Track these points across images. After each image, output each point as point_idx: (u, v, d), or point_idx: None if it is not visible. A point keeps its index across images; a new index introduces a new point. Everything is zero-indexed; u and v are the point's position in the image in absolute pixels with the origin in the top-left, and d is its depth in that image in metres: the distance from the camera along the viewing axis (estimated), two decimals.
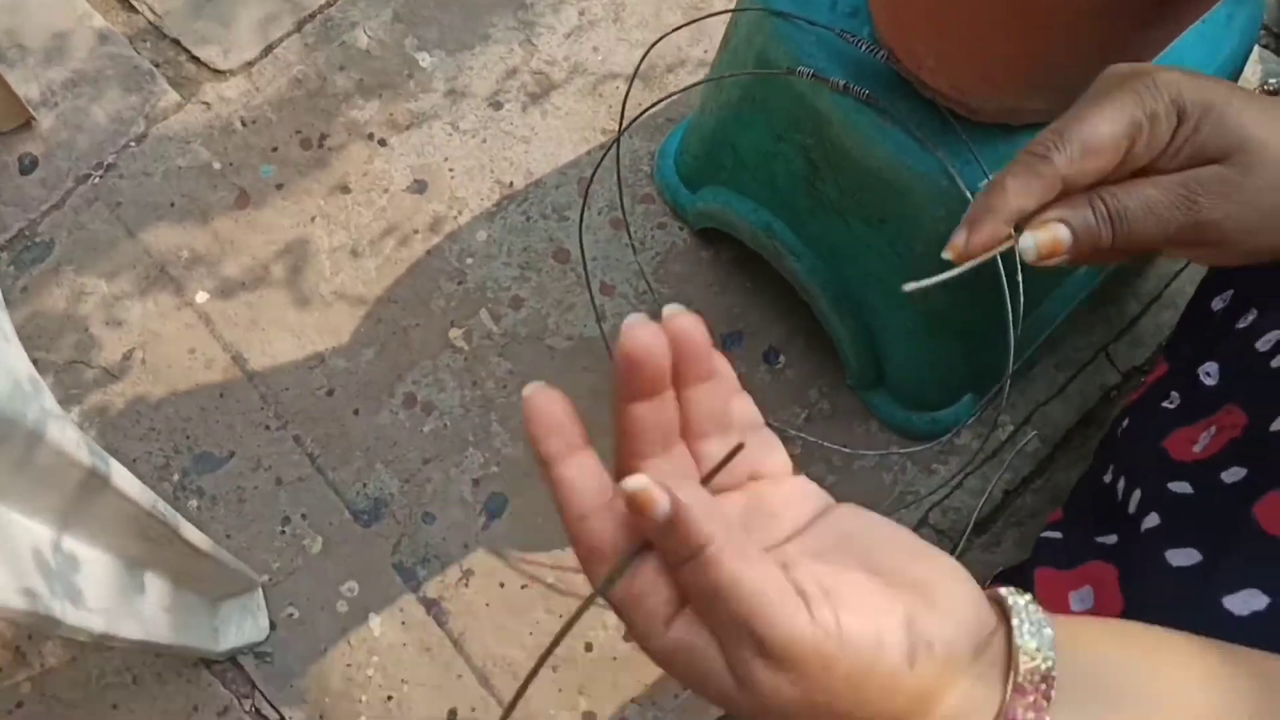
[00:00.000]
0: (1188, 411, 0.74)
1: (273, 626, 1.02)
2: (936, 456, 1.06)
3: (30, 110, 1.18)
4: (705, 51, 1.22)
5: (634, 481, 0.36)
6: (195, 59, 1.23)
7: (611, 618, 1.03)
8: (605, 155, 1.11)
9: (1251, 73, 1.21)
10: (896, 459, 1.07)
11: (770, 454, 0.42)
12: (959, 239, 0.50)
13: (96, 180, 1.18)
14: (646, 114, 1.14)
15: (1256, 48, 1.22)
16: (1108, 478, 0.79)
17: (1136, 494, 0.72)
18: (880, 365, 1.03)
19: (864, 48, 0.81)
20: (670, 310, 0.39)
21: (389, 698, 1.01)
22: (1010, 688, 0.37)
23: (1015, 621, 0.38)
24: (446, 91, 1.22)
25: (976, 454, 1.06)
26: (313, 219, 1.16)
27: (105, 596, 0.76)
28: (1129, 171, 0.49)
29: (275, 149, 1.19)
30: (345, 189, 1.18)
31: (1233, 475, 0.65)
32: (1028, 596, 0.39)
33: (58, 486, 0.68)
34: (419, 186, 1.18)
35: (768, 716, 0.36)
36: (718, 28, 1.13)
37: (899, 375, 1.03)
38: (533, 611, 1.03)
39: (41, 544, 0.71)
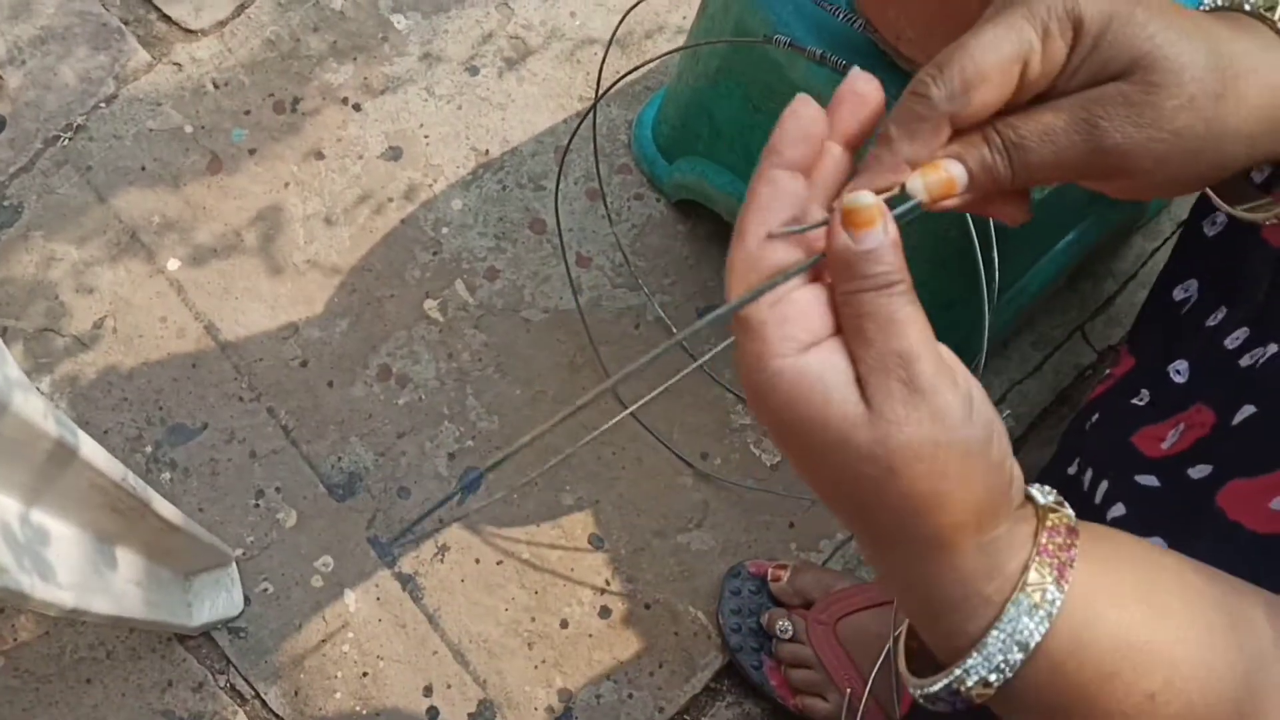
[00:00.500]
0: (1157, 409, 0.73)
1: (247, 601, 1.01)
2: None
3: None
4: (684, 18, 1.21)
5: (864, 196, 0.37)
6: (166, 17, 1.21)
7: (587, 595, 1.03)
8: (581, 124, 1.10)
9: None
10: None
11: None
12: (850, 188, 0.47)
13: (66, 142, 1.15)
14: (624, 81, 1.13)
15: None
16: (1073, 469, 0.79)
17: (1103, 485, 0.72)
18: None
19: (842, 17, 0.79)
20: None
21: (364, 674, 1.01)
22: (1041, 528, 0.40)
23: (1037, 492, 0.42)
24: (422, 55, 1.20)
25: None
26: (286, 185, 1.15)
27: (75, 571, 0.75)
28: (1029, 97, 0.44)
29: (248, 112, 1.17)
30: (319, 155, 1.16)
31: (1199, 471, 0.66)
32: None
33: (24, 458, 0.67)
34: (394, 153, 1.16)
35: (872, 458, 0.37)
36: None
37: None
38: (507, 587, 1.03)
39: (9, 517, 0.70)
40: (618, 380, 0.38)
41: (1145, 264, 1.13)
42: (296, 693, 1.00)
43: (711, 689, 1.03)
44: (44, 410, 0.65)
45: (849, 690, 0.94)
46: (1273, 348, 0.66)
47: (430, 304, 1.11)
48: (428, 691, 1.01)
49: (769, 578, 1.00)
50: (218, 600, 0.98)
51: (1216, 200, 0.54)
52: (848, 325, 0.38)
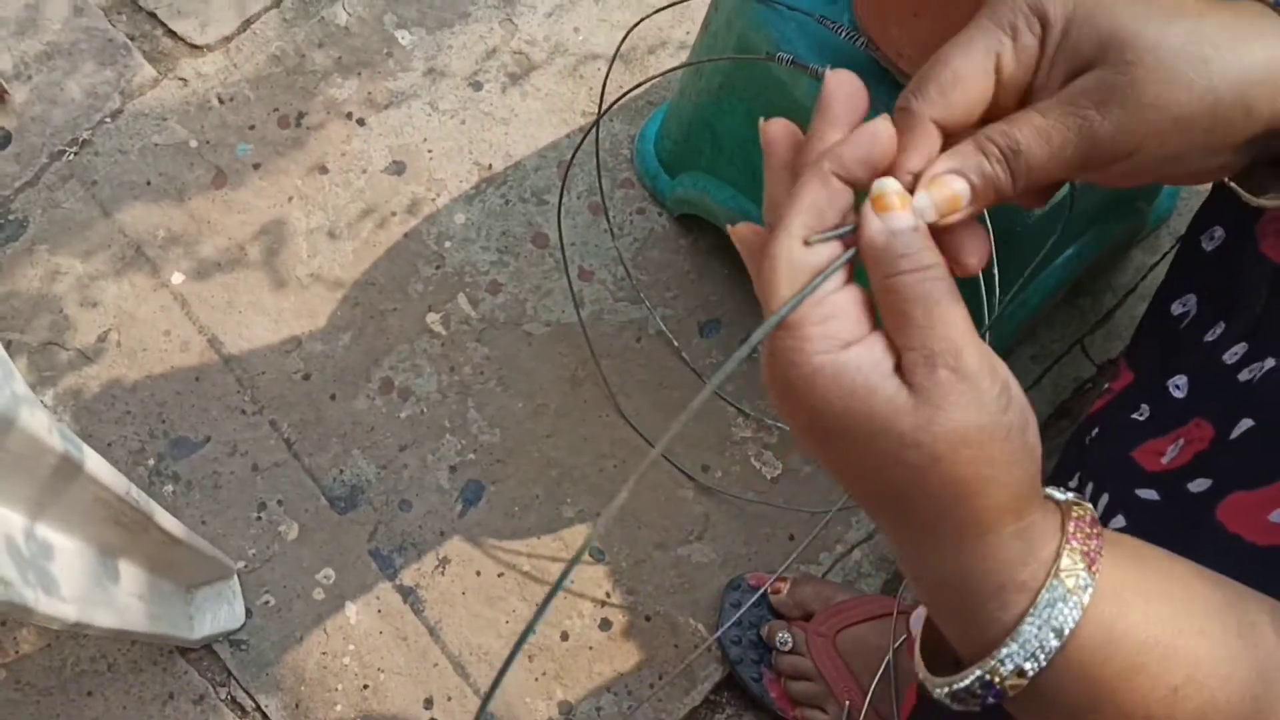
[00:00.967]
0: (1157, 424, 0.74)
1: (248, 614, 1.01)
2: None
3: (3, 84, 1.17)
4: (687, 33, 1.22)
5: (890, 182, 0.38)
6: (172, 33, 1.22)
7: (588, 607, 1.03)
8: (585, 139, 1.11)
9: None
10: None
11: None
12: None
13: (71, 157, 1.16)
14: (627, 97, 1.14)
15: None
16: (1073, 483, 0.79)
17: (1104, 498, 0.72)
18: None
19: (843, 35, 0.80)
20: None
21: (365, 686, 1.01)
22: (1069, 519, 0.41)
23: (1056, 490, 0.43)
24: (426, 70, 1.21)
25: None
26: (290, 199, 1.15)
27: (79, 585, 0.76)
28: (1015, 96, 0.44)
29: (253, 127, 1.18)
30: (323, 169, 1.17)
31: (1198, 486, 0.66)
32: None
33: (30, 473, 0.68)
34: (397, 168, 1.17)
35: (915, 443, 0.37)
36: (699, 9, 1.12)
37: None
38: (508, 600, 1.03)
39: (14, 531, 0.70)
40: (666, 440, 0.39)
41: (1145, 278, 1.13)
42: (297, 705, 1.00)
43: (711, 701, 1.03)
44: (49, 425, 0.66)
45: (848, 702, 0.95)
46: (1270, 362, 0.66)
47: (433, 317, 1.11)
48: (428, 704, 1.01)
49: (769, 590, 1.00)
50: (219, 613, 0.98)
51: (1239, 191, 0.54)
52: (889, 314, 0.38)
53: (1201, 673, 0.41)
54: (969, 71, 0.42)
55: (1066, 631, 0.40)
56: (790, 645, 0.97)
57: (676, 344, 1.11)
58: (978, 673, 0.41)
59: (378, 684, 1.01)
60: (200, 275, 1.12)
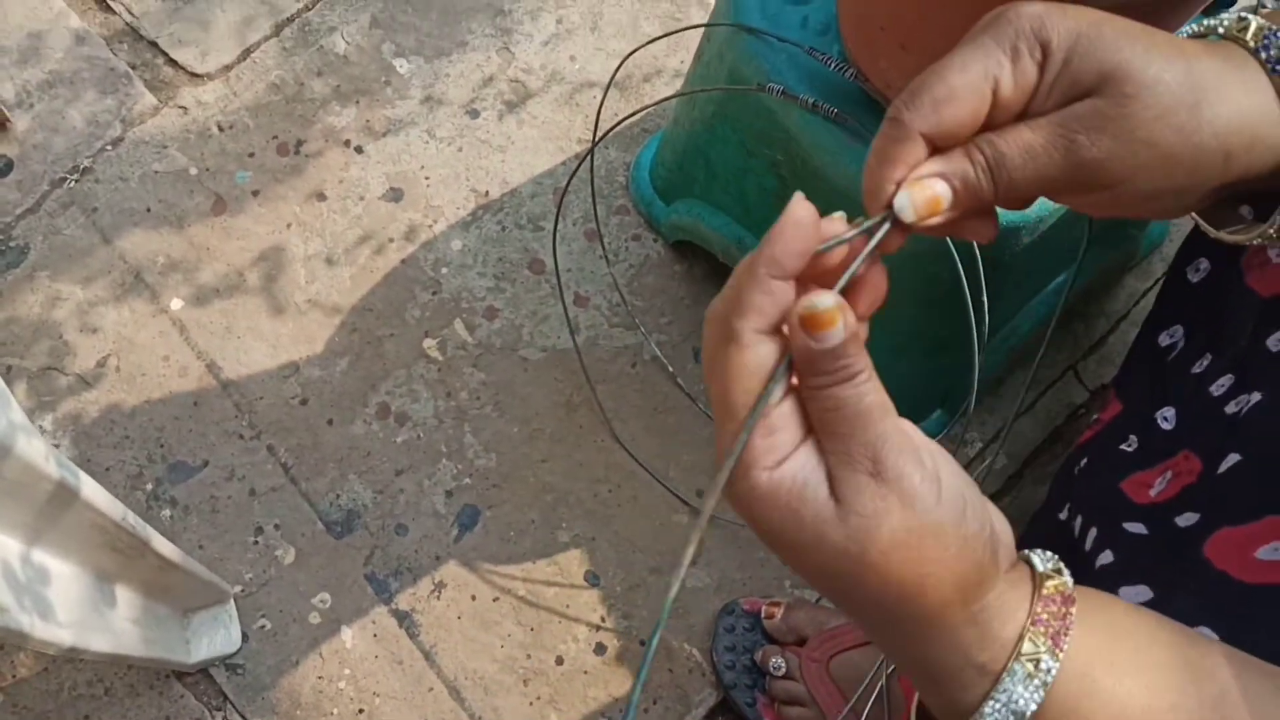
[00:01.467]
0: (1145, 455, 0.74)
1: (245, 638, 1.02)
2: None
3: (5, 112, 1.18)
4: (681, 62, 1.23)
5: (822, 299, 0.38)
6: (173, 62, 1.23)
7: (582, 631, 1.03)
8: (580, 166, 1.12)
9: None
10: None
11: None
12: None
13: (72, 184, 1.17)
14: (622, 125, 1.15)
15: None
16: (1063, 515, 0.80)
17: (1093, 532, 0.73)
18: None
19: (833, 66, 0.81)
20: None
21: (360, 710, 1.01)
22: (1037, 598, 0.41)
23: (1036, 557, 0.42)
24: (423, 98, 1.22)
25: None
26: (288, 226, 1.16)
27: (75, 610, 0.76)
28: (1009, 117, 0.44)
29: (252, 155, 1.19)
30: (321, 196, 1.18)
31: (1186, 520, 0.66)
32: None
33: (27, 500, 0.68)
34: (395, 194, 1.18)
35: (848, 553, 0.38)
36: (693, 38, 1.13)
37: None
38: (504, 624, 1.04)
39: (10, 557, 0.71)
40: (757, 415, 0.39)
41: (1137, 304, 1.14)
42: None
43: None
44: (46, 453, 0.67)
45: None
46: (1256, 395, 0.67)
47: (429, 343, 1.12)
48: None
49: (763, 615, 1.01)
50: (216, 637, 0.99)
51: (1202, 224, 0.55)
52: (816, 421, 0.39)
53: None
54: (964, 91, 0.42)
55: (1028, 715, 0.40)
56: (784, 670, 0.97)
57: (671, 369, 1.11)
58: None
59: (373, 708, 1.01)
60: (199, 301, 1.13)
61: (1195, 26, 0.50)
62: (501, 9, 1.26)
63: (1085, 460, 0.82)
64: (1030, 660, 0.40)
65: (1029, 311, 1.00)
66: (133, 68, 1.23)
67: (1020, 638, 0.40)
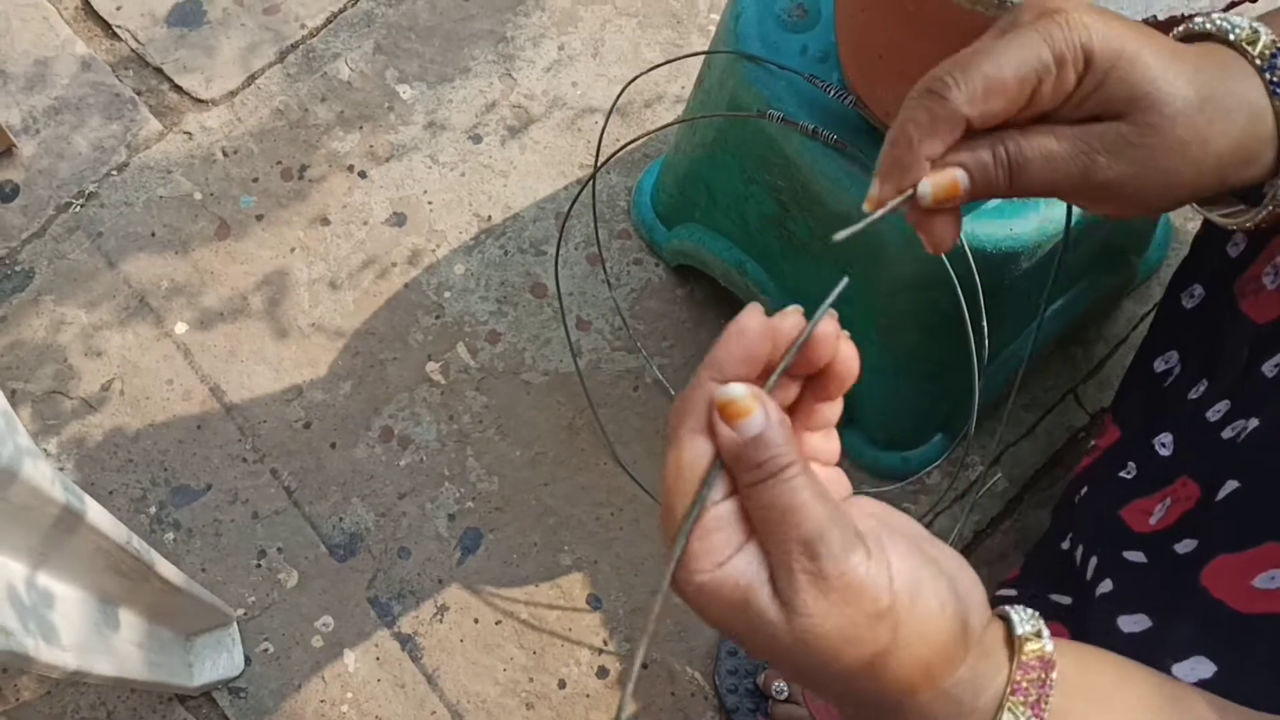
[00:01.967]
0: (1144, 483, 0.74)
1: (247, 661, 1.02)
2: (907, 496, 1.08)
3: (11, 137, 1.19)
4: (682, 88, 1.24)
5: (736, 389, 0.37)
6: (178, 88, 1.24)
7: (585, 655, 1.04)
8: (582, 190, 1.12)
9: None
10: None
11: (827, 442, 0.43)
12: (874, 190, 0.46)
13: (77, 209, 1.18)
14: (624, 150, 1.16)
15: None
16: (1065, 544, 0.80)
17: (1093, 561, 0.73)
18: (850, 404, 1.04)
19: (833, 93, 0.82)
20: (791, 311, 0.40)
21: None
22: (1015, 665, 0.40)
23: (1016, 617, 0.41)
24: (426, 124, 1.23)
25: (946, 493, 1.07)
26: (292, 250, 1.17)
27: (79, 633, 0.77)
28: (1032, 115, 0.46)
29: (256, 180, 1.20)
30: (325, 221, 1.18)
31: (1185, 546, 0.66)
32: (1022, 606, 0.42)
33: (32, 524, 0.69)
34: (398, 219, 1.19)
35: (801, 649, 0.37)
36: (694, 65, 1.14)
37: (869, 414, 1.05)
38: (506, 648, 1.04)
39: (15, 581, 0.71)
40: (697, 513, 0.38)
41: (1136, 328, 1.14)
42: None
43: None
44: (52, 477, 0.67)
45: None
46: (1254, 421, 0.67)
47: (432, 366, 1.13)
48: None
49: None
50: (218, 660, 0.99)
51: (1195, 207, 0.57)
52: (755, 520, 0.38)
53: None
54: (1014, 82, 0.43)
55: None
56: (786, 694, 0.98)
57: (673, 393, 1.12)
58: None
59: None
60: (203, 325, 1.14)
61: (1207, 25, 0.51)
62: (504, 36, 1.27)
63: (1085, 489, 0.82)
64: None
65: (1028, 335, 1.00)
66: (138, 94, 1.24)
67: (1000, 708, 0.39)
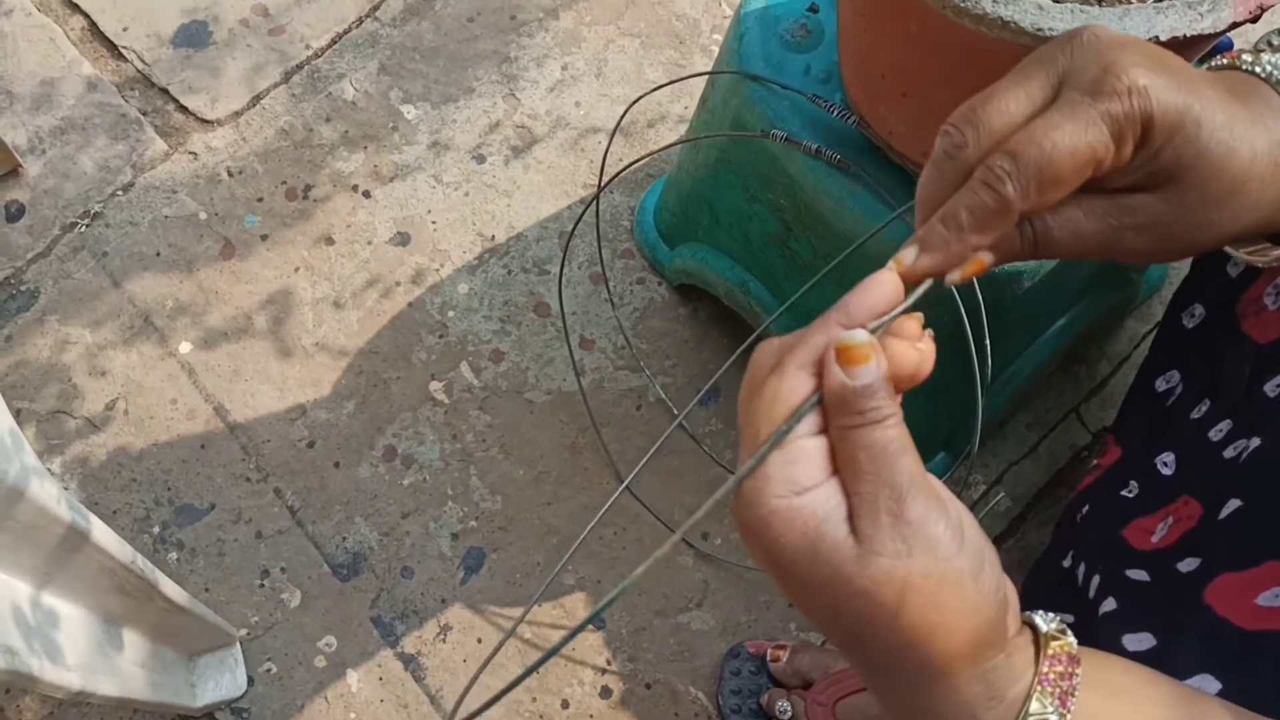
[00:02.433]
0: (1146, 501, 0.75)
1: (250, 682, 1.02)
2: None
3: (18, 157, 1.19)
4: (685, 108, 1.24)
5: (860, 334, 0.38)
6: (183, 108, 1.25)
7: (588, 674, 1.03)
8: (586, 210, 1.13)
9: None
10: None
11: None
12: (909, 258, 0.44)
13: (83, 229, 1.19)
14: (627, 170, 1.16)
15: None
16: (1067, 562, 0.80)
17: (1095, 579, 0.73)
18: None
19: (836, 113, 0.82)
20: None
21: None
22: (1042, 658, 0.41)
23: (1040, 618, 0.42)
24: (430, 144, 1.23)
25: None
26: (296, 270, 1.18)
27: (83, 653, 0.77)
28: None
29: (261, 199, 1.21)
30: (329, 240, 1.19)
31: (1188, 565, 0.66)
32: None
33: (38, 543, 0.69)
34: (402, 239, 1.19)
35: (866, 592, 0.37)
36: (697, 85, 1.15)
37: None
38: (509, 667, 1.04)
39: (20, 600, 0.71)
40: (784, 433, 0.39)
41: (1138, 346, 1.15)
42: None
43: None
44: (58, 496, 0.67)
45: None
46: (1256, 440, 0.67)
47: (436, 386, 1.13)
48: None
49: (768, 658, 1.01)
50: (221, 681, 0.99)
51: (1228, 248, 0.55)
52: (842, 460, 0.38)
53: None
54: (1073, 177, 0.41)
55: None
56: (790, 714, 0.97)
57: (676, 412, 1.12)
58: None
59: None
60: (207, 344, 1.14)
61: (1256, 69, 0.47)
62: (508, 56, 1.27)
63: (1087, 507, 0.82)
64: (1038, 719, 0.40)
65: (1031, 355, 1.00)
66: (144, 114, 1.24)
67: (1028, 697, 0.40)
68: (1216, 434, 0.70)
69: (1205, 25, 0.57)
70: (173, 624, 0.89)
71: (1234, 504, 0.66)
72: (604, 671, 1.04)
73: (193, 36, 1.28)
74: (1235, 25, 0.57)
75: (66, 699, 0.74)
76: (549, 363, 1.14)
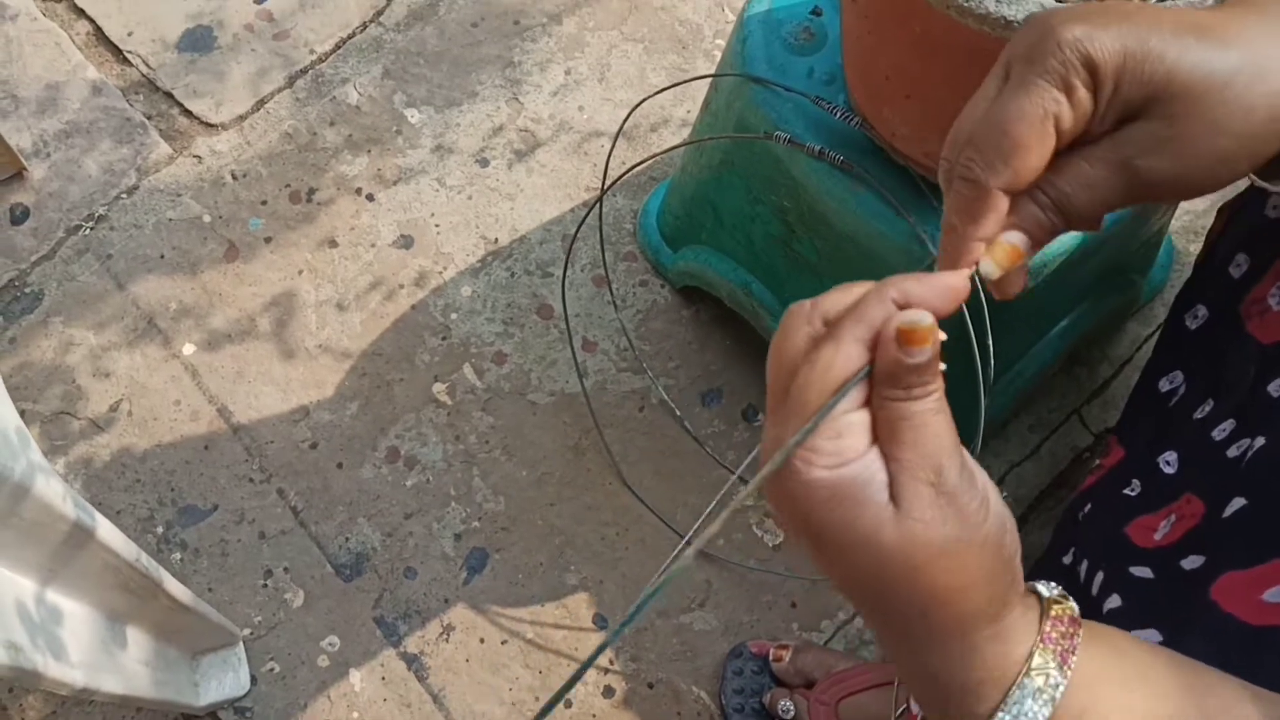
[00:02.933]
0: (1148, 499, 0.75)
1: (254, 681, 1.02)
2: None
3: (22, 160, 1.20)
4: (688, 111, 1.25)
5: (926, 317, 0.39)
6: (187, 112, 1.25)
7: (591, 674, 1.03)
8: (589, 213, 1.13)
9: None
10: None
11: None
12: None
13: (87, 231, 1.19)
14: (630, 173, 1.17)
15: None
16: (1068, 559, 0.80)
17: (1099, 577, 0.73)
18: None
19: (839, 115, 0.83)
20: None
21: None
22: (1045, 618, 0.43)
23: (1043, 587, 0.44)
24: (434, 148, 1.24)
25: None
26: (300, 272, 1.18)
27: (87, 650, 0.77)
28: (1066, 144, 0.44)
29: (264, 202, 1.21)
30: (333, 243, 1.19)
31: (1191, 563, 0.67)
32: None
33: (43, 540, 0.69)
34: (405, 241, 1.19)
35: (901, 551, 0.39)
36: (700, 89, 1.15)
37: None
38: (511, 667, 1.04)
39: (25, 597, 0.71)
40: (832, 405, 0.40)
41: (1140, 348, 1.15)
42: None
43: None
44: (63, 494, 0.67)
45: None
46: (1260, 440, 0.67)
47: (439, 387, 1.13)
48: None
49: (771, 658, 1.01)
50: (224, 680, 0.99)
51: (1255, 180, 0.55)
52: (884, 430, 0.40)
53: None
54: (1031, 138, 0.43)
55: None
56: (793, 713, 0.97)
57: (679, 413, 1.12)
58: None
59: None
60: (211, 346, 1.14)
61: None
62: (511, 60, 1.28)
63: (1089, 506, 0.82)
64: (1040, 674, 0.41)
65: (1033, 355, 1.01)
66: (148, 118, 1.25)
67: (1030, 654, 0.42)
68: (1220, 433, 0.71)
69: None
70: (176, 623, 0.90)
71: (1238, 502, 0.66)
72: (607, 671, 1.04)
73: (197, 41, 1.28)
74: None
75: (70, 696, 0.74)
76: (551, 364, 1.14)
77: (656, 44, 1.29)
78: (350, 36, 1.29)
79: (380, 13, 1.30)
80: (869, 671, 0.97)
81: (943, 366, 0.41)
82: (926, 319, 0.39)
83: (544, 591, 1.06)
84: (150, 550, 1.06)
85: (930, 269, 0.47)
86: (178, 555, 1.07)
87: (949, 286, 0.41)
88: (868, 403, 0.40)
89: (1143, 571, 0.70)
